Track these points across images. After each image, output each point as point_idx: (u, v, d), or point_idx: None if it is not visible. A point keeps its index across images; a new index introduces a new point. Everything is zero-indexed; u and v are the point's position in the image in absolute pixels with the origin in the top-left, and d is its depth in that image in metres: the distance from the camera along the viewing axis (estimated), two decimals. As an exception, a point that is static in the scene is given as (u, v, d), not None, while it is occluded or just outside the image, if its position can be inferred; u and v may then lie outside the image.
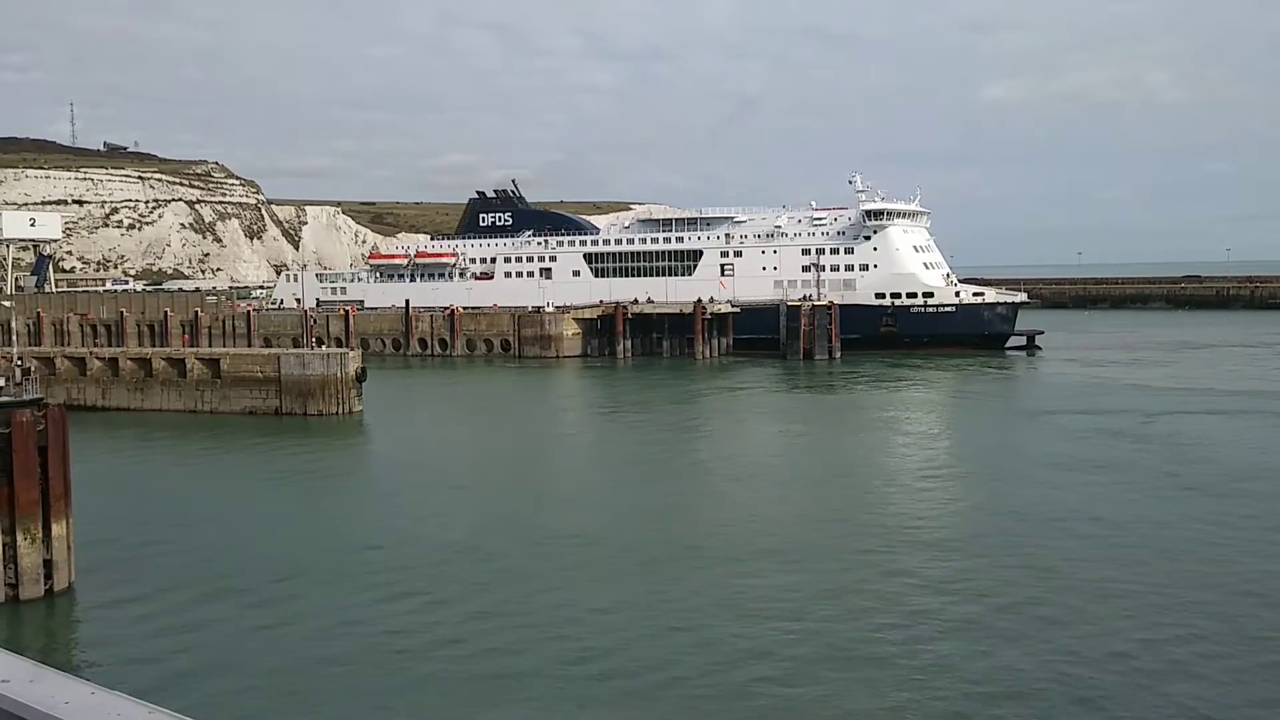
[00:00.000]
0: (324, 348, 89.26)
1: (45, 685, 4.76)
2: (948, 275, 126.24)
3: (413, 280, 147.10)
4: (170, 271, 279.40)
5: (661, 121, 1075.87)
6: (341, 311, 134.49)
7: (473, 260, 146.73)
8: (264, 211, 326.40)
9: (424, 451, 62.68)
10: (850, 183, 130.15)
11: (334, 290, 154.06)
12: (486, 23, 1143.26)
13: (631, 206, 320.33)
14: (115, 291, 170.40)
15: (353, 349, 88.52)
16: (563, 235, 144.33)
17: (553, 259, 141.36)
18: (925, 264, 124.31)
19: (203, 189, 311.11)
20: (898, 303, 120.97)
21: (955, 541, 37.91)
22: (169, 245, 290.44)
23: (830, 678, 25.69)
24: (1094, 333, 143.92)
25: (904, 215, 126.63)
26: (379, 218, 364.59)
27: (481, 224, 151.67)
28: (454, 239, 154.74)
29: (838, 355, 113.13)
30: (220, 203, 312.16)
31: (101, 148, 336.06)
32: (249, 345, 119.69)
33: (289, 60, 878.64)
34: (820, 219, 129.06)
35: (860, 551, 36.63)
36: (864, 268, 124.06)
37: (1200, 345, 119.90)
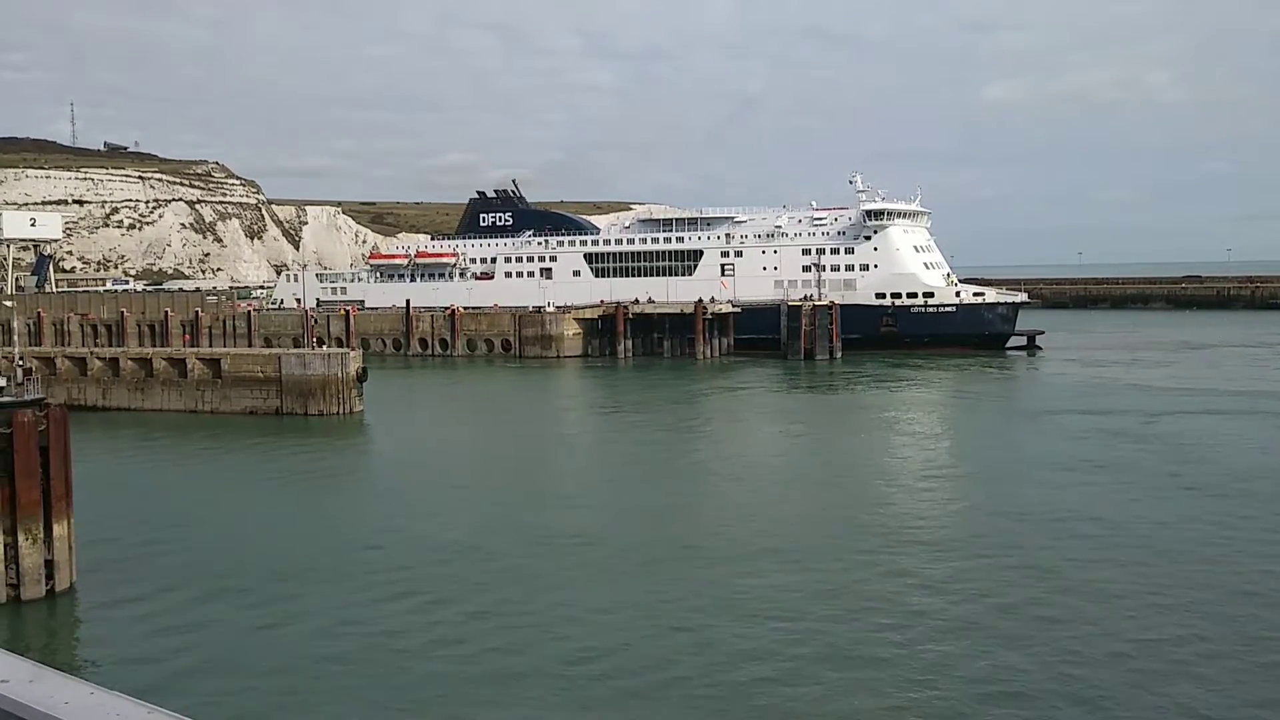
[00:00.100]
0: (325, 348, 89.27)
1: (44, 685, 4.75)
2: (948, 275, 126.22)
3: (413, 280, 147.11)
4: (170, 271, 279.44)
5: (661, 121, 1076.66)
6: (342, 311, 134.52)
7: (473, 260, 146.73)
8: (264, 211, 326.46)
9: (425, 451, 62.71)
10: (850, 183, 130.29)
11: (334, 290, 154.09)
12: (486, 23, 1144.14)
13: (632, 206, 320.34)
14: (115, 291, 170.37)
15: (353, 349, 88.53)
16: (563, 235, 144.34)
17: (553, 259, 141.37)
18: (926, 264, 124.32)
19: (203, 189, 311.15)
20: (898, 303, 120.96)
21: (955, 541, 37.93)
22: (169, 245, 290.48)
23: (830, 678, 25.70)
24: (1094, 333, 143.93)
25: (904, 215, 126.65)
26: (379, 218, 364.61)
27: (482, 224, 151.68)
28: (454, 239, 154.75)
29: (839, 355, 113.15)
30: (220, 203, 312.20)
31: (102, 147, 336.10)
32: (249, 345, 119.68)
33: (289, 60, 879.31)
34: (821, 219, 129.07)
35: (860, 551, 36.64)
36: (864, 268, 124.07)
37: (1201, 345, 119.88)
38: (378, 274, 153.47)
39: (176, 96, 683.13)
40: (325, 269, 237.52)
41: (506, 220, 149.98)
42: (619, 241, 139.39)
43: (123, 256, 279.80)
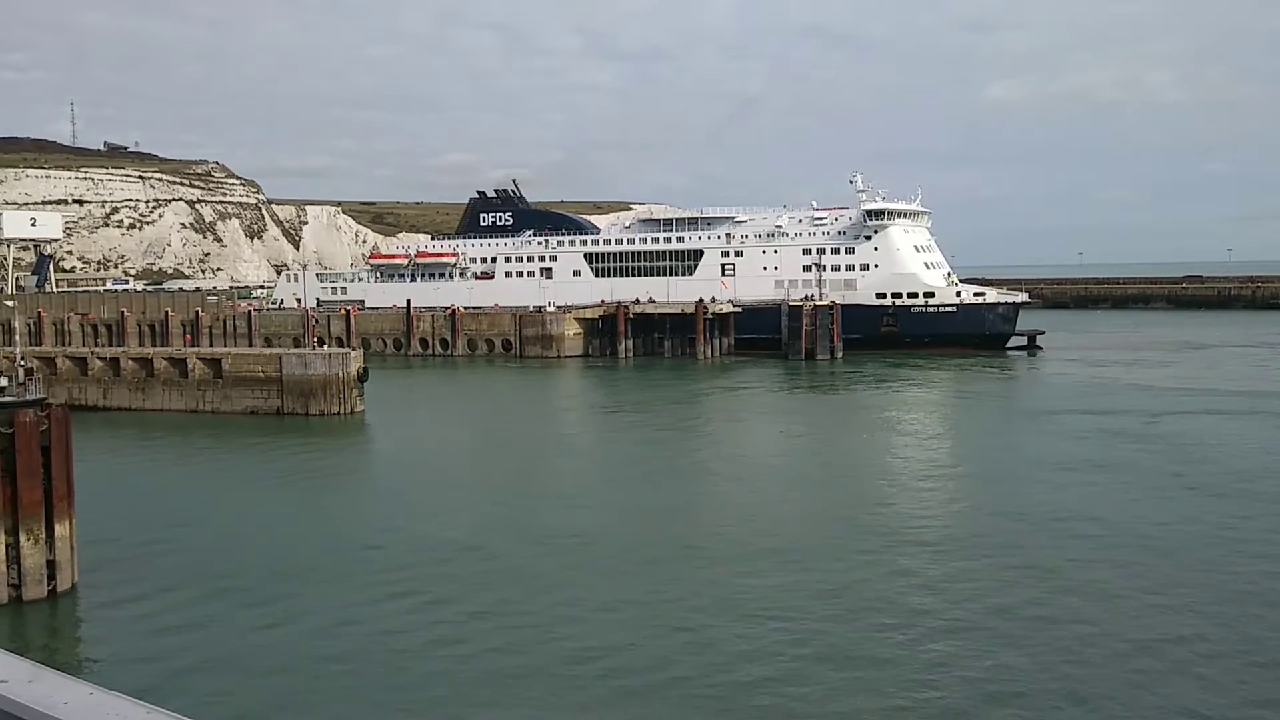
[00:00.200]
0: (325, 348, 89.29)
1: (44, 685, 4.77)
2: (949, 275, 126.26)
3: (413, 280, 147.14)
4: (171, 271, 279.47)
5: (661, 121, 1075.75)
6: (342, 311, 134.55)
7: (473, 260, 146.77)
8: (264, 211, 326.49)
9: (425, 451, 62.74)
10: (851, 182, 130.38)
11: (335, 290, 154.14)
12: (486, 23, 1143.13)
13: (632, 206, 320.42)
14: (116, 291, 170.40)
15: (354, 349, 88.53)
16: (563, 235, 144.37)
17: (553, 259, 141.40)
18: (926, 264, 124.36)
19: (203, 189, 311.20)
20: (898, 303, 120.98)
21: (956, 541, 37.94)
22: (169, 245, 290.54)
23: (830, 678, 25.72)
24: (1095, 333, 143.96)
25: (905, 215, 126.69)
26: (379, 217, 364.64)
27: (482, 224, 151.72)
28: (454, 239, 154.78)
29: (839, 355, 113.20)
30: (221, 202, 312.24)
31: (102, 147, 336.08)
32: (250, 345, 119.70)
33: (289, 60, 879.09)
34: (821, 219, 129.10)
35: (861, 551, 36.66)
36: (865, 268, 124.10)
37: (1202, 345, 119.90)
38: (378, 274, 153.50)
39: (176, 96, 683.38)
40: (325, 269, 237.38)
41: (507, 220, 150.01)
42: (619, 241, 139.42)
43: (123, 256, 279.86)
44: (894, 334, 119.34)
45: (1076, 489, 46.18)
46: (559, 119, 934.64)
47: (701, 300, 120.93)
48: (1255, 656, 26.50)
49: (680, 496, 47.53)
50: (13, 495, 32.36)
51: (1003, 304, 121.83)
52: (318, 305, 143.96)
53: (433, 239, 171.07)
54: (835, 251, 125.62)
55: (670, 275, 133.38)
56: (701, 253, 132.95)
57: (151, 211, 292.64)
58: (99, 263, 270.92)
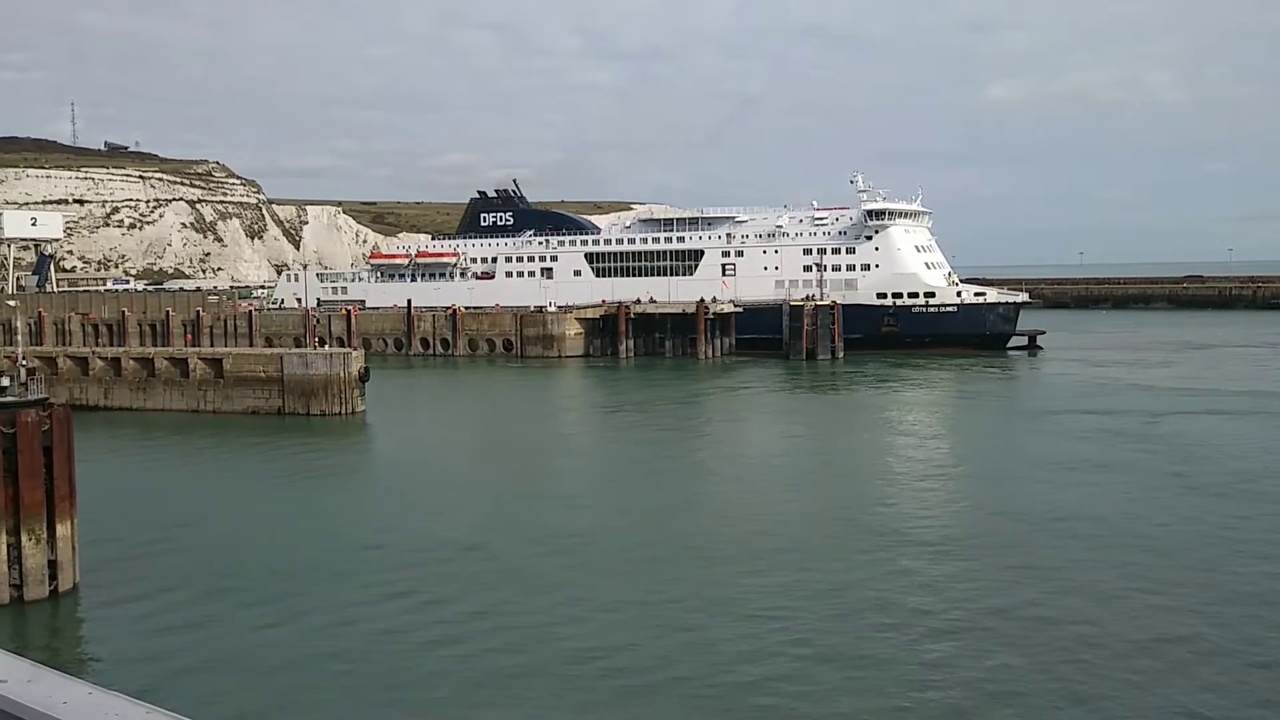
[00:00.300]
0: (327, 347, 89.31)
1: (43, 685, 4.78)
2: (949, 275, 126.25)
3: (414, 280, 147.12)
4: (171, 271, 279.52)
5: (661, 121, 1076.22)
6: (343, 311, 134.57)
7: (474, 260, 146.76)
8: (265, 211, 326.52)
9: (426, 451, 62.77)
10: (851, 182, 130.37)
11: (335, 290, 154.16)
12: (486, 23, 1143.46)
13: (632, 206, 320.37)
14: (116, 291, 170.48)
15: (355, 349, 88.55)
16: (564, 235, 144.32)
17: (554, 259, 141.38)
18: (927, 264, 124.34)
19: (203, 188, 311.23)
20: (899, 303, 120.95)
21: (956, 541, 37.95)
22: (170, 245, 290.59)
23: (830, 678, 25.73)
24: (1096, 333, 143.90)
25: (905, 215, 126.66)
26: (380, 217, 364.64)
27: (482, 224, 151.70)
28: (455, 239, 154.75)
29: (840, 355, 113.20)
30: (221, 202, 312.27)
31: (102, 147, 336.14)
32: (250, 345, 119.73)
33: (289, 60, 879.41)
34: (822, 219, 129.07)
35: (861, 551, 36.68)
36: (865, 267, 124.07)
37: (1203, 345, 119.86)
38: (378, 274, 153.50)
39: (177, 96, 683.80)
40: (326, 269, 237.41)
41: (507, 220, 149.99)
42: (620, 241, 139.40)
43: (123, 256, 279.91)
44: (895, 334, 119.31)
45: (1077, 489, 46.18)
46: (559, 119, 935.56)
47: (702, 300, 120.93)
48: (1255, 656, 26.51)
49: (681, 496, 47.54)
50: (14, 495, 32.38)
51: (1003, 304, 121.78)
52: (318, 305, 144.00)
53: (433, 239, 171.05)
54: (836, 251, 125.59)
55: (671, 275, 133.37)
56: (702, 253, 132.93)
57: (152, 211, 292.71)
58: (100, 262, 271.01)
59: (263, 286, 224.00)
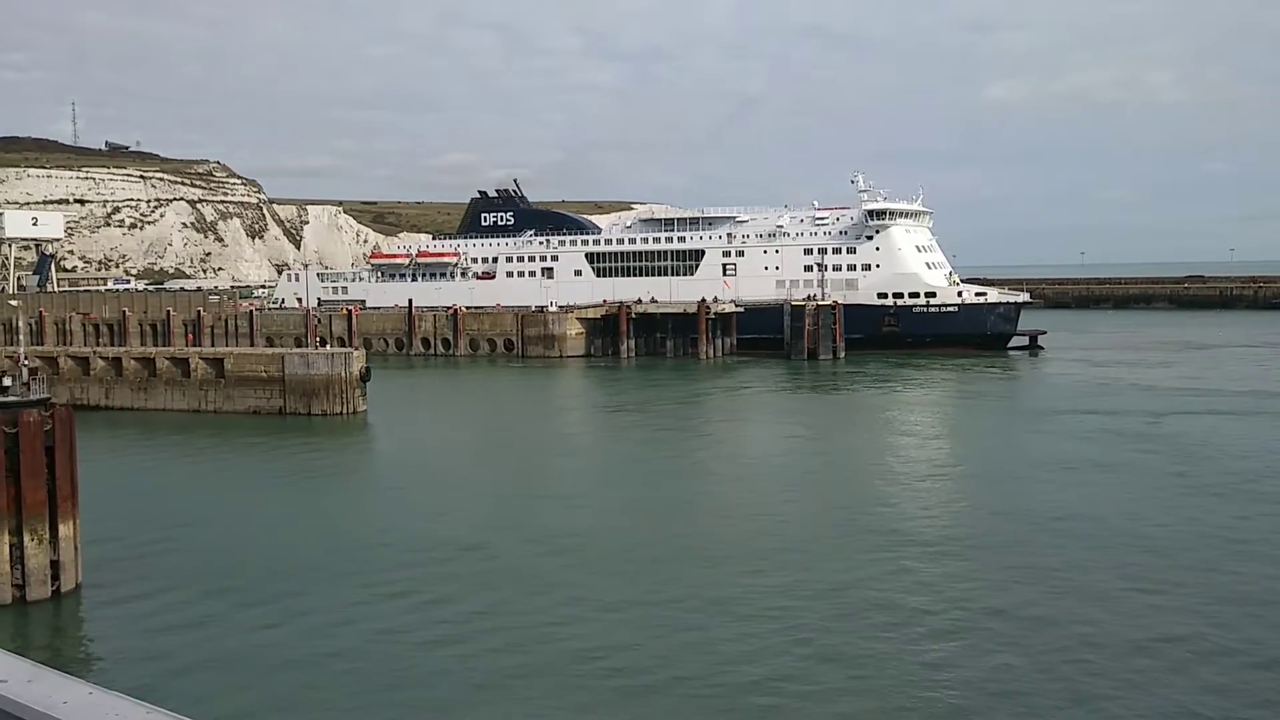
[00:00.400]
0: (328, 347, 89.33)
1: (43, 685, 4.80)
2: (950, 275, 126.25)
3: (415, 280, 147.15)
4: (172, 271, 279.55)
5: (661, 121, 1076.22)
6: (344, 311, 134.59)
7: (474, 260, 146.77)
8: (265, 211, 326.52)
9: (427, 451, 62.79)
10: (852, 182, 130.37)
11: (336, 290, 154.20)
12: (486, 23, 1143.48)
13: (633, 206, 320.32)
14: (117, 291, 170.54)
15: (356, 349, 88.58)
16: (564, 235, 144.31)
17: (555, 259, 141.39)
18: (928, 264, 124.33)
19: (204, 188, 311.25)
20: (900, 302, 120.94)
21: (957, 541, 37.97)
22: (170, 244, 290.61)
23: (830, 678, 25.76)
24: (1096, 333, 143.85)
25: (906, 215, 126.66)
26: (380, 217, 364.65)
27: (483, 223, 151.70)
28: (456, 238, 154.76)
29: (842, 355, 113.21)
30: (222, 202, 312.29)
31: (103, 147, 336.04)
32: (251, 345, 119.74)
33: (289, 60, 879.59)
34: (822, 219, 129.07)
35: (861, 551, 36.70)
36: (866, 267, 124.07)
37: (1204, 345, 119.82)
38: (379, 273, 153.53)
39: (177, 96, 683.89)
40: (326, 268, 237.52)
41: (508, 220, 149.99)
42: (621, 241, 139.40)
43: (124, 256, 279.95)
44: (896, 334, 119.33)
45: (1078, 489, 46.19)
46: (559, 119, 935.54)
47: (703, 300, 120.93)
48: (1255, 656, 26.52)
49: (681, 496, 47.56)
50: (17, 495, 32.42)
51: (1004, 304, 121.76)
52: (319, 305, 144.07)
53: (434, 239, 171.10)
54: (837, 251, 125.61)
55: (672, 275, 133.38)
56: (703, 252, 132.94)
57: (153, 211, 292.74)
58: (100, 262, 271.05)
59: (263, 286, 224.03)
